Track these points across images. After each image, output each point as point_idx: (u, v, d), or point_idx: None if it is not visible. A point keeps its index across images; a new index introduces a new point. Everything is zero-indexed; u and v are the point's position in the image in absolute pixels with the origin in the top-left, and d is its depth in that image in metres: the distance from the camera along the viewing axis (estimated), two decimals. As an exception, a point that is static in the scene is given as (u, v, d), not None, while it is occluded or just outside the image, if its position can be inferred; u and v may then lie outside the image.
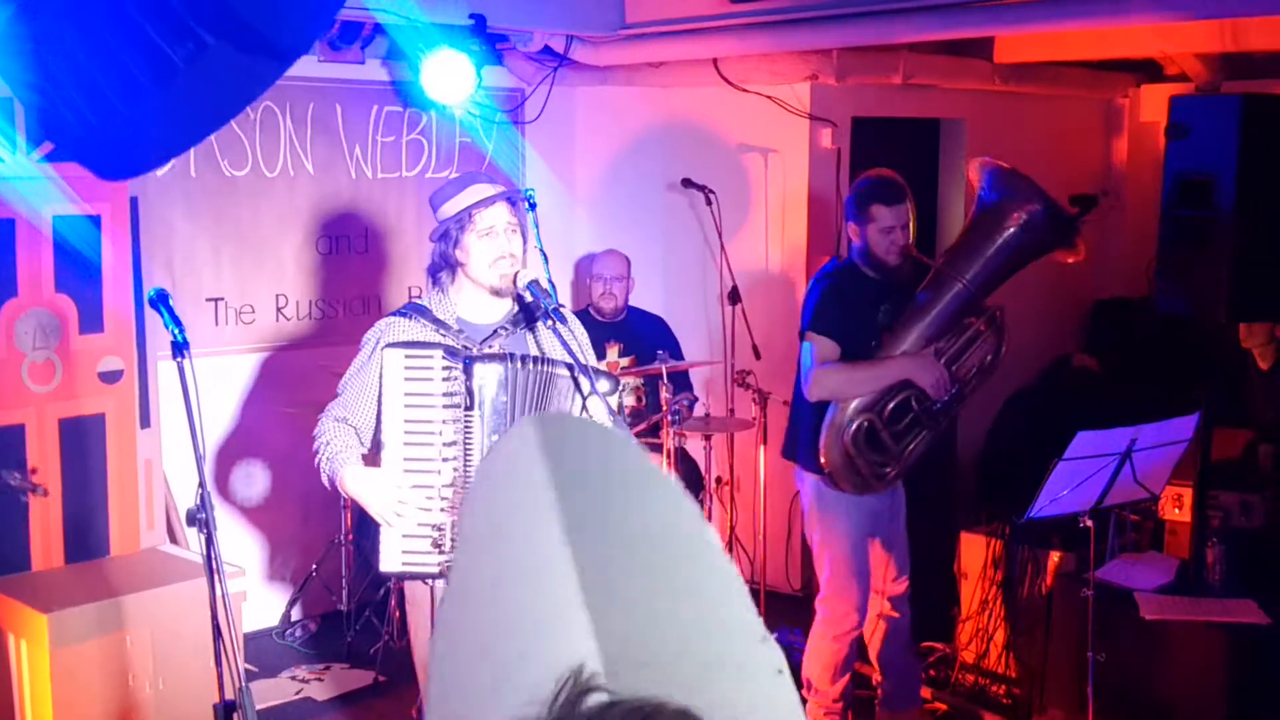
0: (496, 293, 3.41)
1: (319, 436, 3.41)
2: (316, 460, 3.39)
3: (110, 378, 4.78)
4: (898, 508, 4.58)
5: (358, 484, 3.30)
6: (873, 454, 4.32)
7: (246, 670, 4.21)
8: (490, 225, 3.35)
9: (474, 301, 3.45)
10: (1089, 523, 4.11)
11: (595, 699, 1.08)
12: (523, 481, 1.39)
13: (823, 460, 4.34)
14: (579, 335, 3.53)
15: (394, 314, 3.49)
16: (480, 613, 1.35)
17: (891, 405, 4.29)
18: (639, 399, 5.80)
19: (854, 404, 4.30)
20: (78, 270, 4.74)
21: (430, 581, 3.36)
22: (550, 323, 3.33)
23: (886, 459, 4.34)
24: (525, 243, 3.47)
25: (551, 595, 1.34)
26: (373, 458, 3.39)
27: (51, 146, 4.62)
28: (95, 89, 2.66)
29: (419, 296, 3.64)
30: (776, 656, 1.39)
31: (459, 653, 1.34)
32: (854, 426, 4.29)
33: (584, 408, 3.33)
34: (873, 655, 4.69)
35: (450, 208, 3.39)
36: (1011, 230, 4.26)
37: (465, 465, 3.26)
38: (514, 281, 3.37)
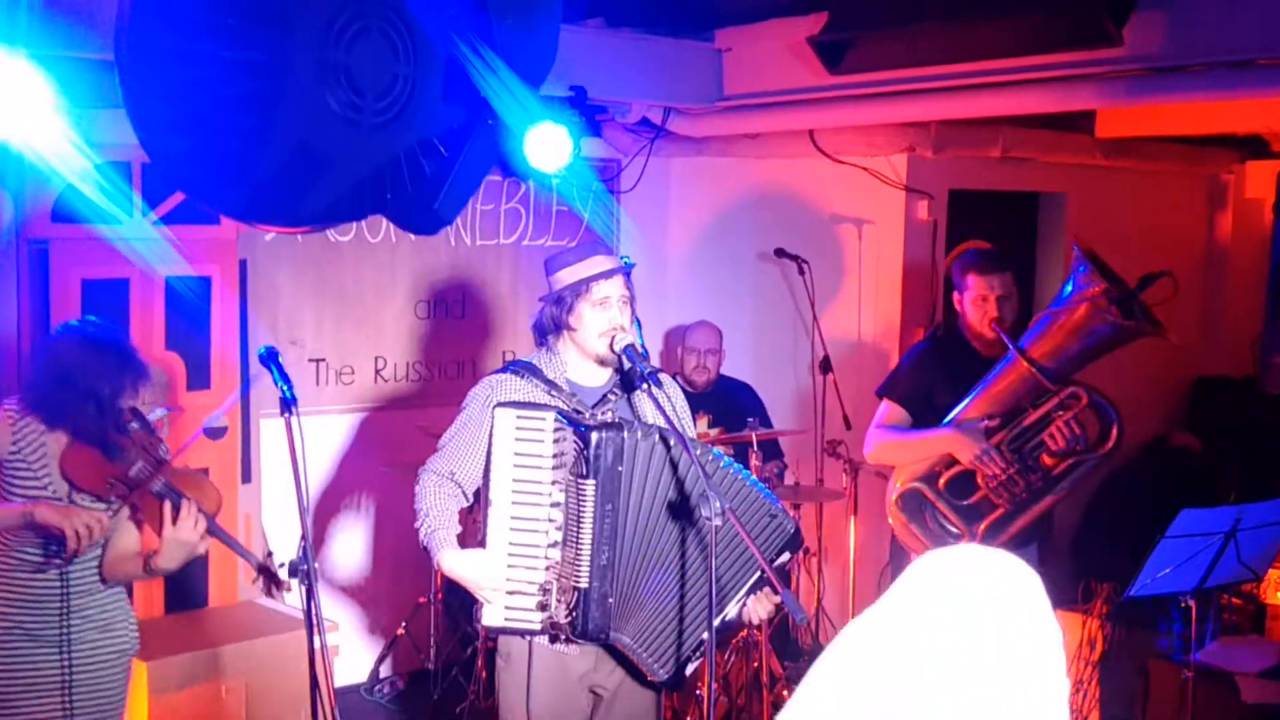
0: (601, 361, 3.46)
1: (420, 500, 3.45)
2: (417, 525, 3.45)
3: (215, 433, 4.91)
4: None
5: (457, 567, 3.35)
6: (925, 524, 4.28)
7: (337, 726, 4.24)
8: (605, 296, 3.41)
9: (580, 365, 3.50)
10: (1190, 603, 4.03)
11: None
12: (931, 613, 1.46)
13: (890, 522, 4.36)
14: (677, 401, 3.57)
15: (502, 370, 3.52)
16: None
17: (947, 476, 4.23)
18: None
19: (906, 471, 4.31)
20: (187, 329, 4.89)
21: (529, 638, 3.38)
22: (646, 386, 3.34)
23: (947, 534, 4.24)
24: (634, 313, 3.52)
25: None
26: (476, 511, 3.43)
27: (170, 207, 4.79)
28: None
29: (515, 359, 3.68)
30: None
31: None
32: (897, 493, 4.32)
33: (674, 477, 3.30)
34: None
35: (568, 275, 3.43)
36: (1080, 311, 4.11)
37: (578, 532, 3.25)
38: (611, 346, 3.41)
